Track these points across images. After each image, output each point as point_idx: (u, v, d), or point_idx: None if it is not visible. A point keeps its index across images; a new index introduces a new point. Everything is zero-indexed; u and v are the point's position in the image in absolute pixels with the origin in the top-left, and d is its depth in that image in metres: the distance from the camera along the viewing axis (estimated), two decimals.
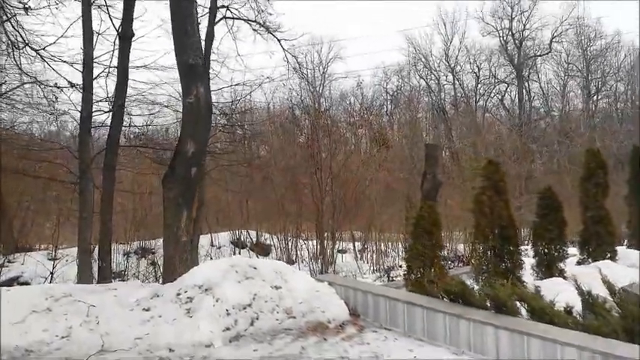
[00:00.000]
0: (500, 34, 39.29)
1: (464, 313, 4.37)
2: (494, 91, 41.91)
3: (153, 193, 16.40)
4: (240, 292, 5.39)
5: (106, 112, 8.35)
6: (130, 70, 9.01)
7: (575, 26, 36.86)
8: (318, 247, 18.92)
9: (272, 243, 20.03)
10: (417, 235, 5.87)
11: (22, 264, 14.88)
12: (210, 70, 10.35)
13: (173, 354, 4.50)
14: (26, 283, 14.37)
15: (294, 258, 18.61)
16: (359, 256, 17.78)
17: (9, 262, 14.82)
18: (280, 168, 17.19)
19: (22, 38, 6.31)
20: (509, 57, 39.13)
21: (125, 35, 9.36)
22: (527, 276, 7.18)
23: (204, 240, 18.46)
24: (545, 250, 7.58)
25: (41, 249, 17.88)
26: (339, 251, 18.43)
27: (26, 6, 5.82)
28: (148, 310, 5.17)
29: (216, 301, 5.18)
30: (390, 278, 7.55)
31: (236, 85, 10.76)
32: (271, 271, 5.90)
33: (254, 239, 20.19)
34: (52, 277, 13.06)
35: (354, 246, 18.29)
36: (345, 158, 16.00)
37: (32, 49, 6.32)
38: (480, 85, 42.10)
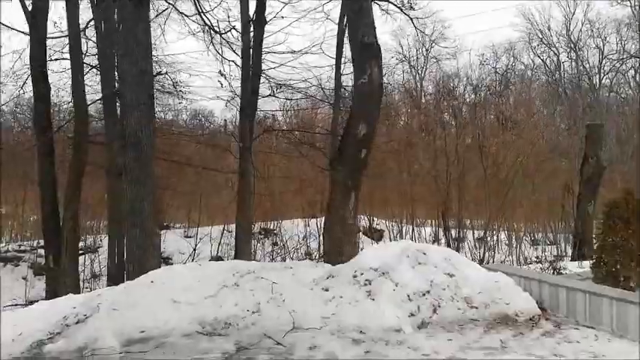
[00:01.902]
0: (633, 3, 34.76)
1: None
2: (622, 67, 37.24)
3: (272, 177, 16.94)
4: (417, 277, 5.24)
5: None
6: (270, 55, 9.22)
7: None
8: (439, 233, 18.32)
9: (384, 228, 19.86)
10: (611, 225, 5.26)
11: (164, 241, 16.27)
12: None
13: (365, 336, 4.45)
14: (168, 259, 15.72)
15: None
16: (477, 245, 16.95)
17: None
18: (398, 152, 16.72)
19: (209, 26, 6.66)
20: None
21: (259, 22, 9.60)
22: None
23: (319, 223, 18.81)
24: None
25: (174, 227, 19.44)
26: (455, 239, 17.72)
27: None
28: (327, 290, 5.21)
29: (396, 285, 5.08)
30: (557, 271, 6.97)
31: None
32: (441, 258, 5.67)
33: (366, 224, 20.14)
34: (194, 253, 14.13)
35: (473, 234, 17.43)
36: (470, 140, 15.23)
37: (222, 37, 6.65)
38: (604, 61, 37.71)
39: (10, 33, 12.98)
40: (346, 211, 5.78)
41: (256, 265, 5.86)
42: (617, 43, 36.31)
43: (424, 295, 5.05)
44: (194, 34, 6.64)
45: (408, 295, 4.98)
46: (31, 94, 12.86)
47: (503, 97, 19.25)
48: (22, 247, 13.40)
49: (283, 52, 9.64)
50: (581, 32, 36.19)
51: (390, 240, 19.28)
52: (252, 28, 9.66)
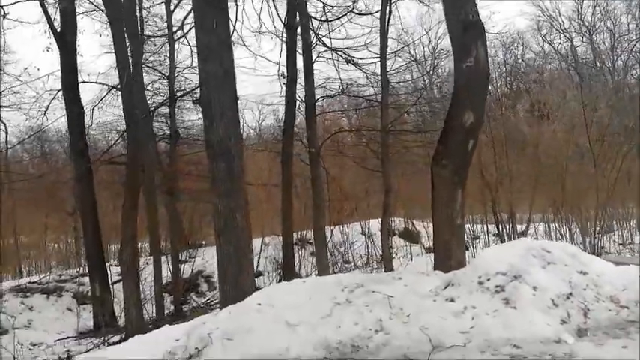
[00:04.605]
0: None
1: None
2: (635, 47, 36.33)
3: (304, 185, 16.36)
4: (552, 279, 4.67)
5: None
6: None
7: None
8: (479, 229, 17.62)
9: (420, 230, 19.23)
10: None
11: (202, 259, 15.75)
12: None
13: (523, 351, 3.89)
14: (209, 277, 15.18)
15: None
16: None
17: (190, 257, 15.76)
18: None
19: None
20: None
21: (289, 25, 9.21)
22: None
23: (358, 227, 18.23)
24: None
25: (207, 245, 18.85)
26: (495, 235, 17.05)
27: None
28: (452, 300, 4.65)
29: (534, 289, 4.50)
30: None
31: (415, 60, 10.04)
32: (567, 255, 5.10)
33: (401, 226, 19.53)
34: None
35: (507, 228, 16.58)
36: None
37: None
38: (616, 44, 36.95)
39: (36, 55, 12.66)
40: (454, 210, 5.23)
41: (361, 277, 5.32)
42: (628, 24, 35.59)
43: (568, 298, 4.47)
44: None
45: (552, 300, 4.40)
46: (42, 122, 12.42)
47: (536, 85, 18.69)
48: (63, 277, 12.92)
49: (333, 49, 9.11)
50: (593, 15, 35.58)
51: (428, 242, 18.69)
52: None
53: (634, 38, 35.47)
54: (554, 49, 38.16)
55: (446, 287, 4.89)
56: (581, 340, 4.00)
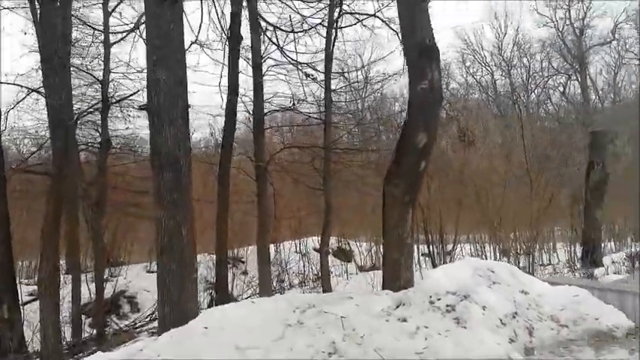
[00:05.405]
0: (557, 25, 37.64)
1: None
2: (547, 83, 39.82)
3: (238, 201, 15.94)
4: (499, 298, 4.80)
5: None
6: None
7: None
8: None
9: (353, 249, 19.43)
10: None
11: (125, 278, 14.71)
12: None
13: None
14: (132, 298, 14.17)
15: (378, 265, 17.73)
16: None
17: (112, 276, 14.65)
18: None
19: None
20: (567, 48, 37.46)
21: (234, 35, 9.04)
22: None
23: (289, 247, 18.00)
24: None
25: (129, 263, 17.66)
26: (423, 255, 17.57)
27: None
28: (404, 320, 4.61)
29: (483, 309, 4.59)
30: (592, 278, 6.88)
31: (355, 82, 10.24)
32: (508, 274, 5.31)
33: (335, 245, 19.59)
34: None
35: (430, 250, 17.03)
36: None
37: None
38: (530, 79, 40.29)
39: None
40: (404, 230, 5.24)
41: (311, 297, 5.14)
42: (541, 61, 38.93)
43: (514, 317, 4.61)
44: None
45: (500, 320, 4.51)
46: None
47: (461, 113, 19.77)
48: None
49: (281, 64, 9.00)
50: (512, 51, 38.59)
51: (361, 261, 18.90)
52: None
53: (546, 75, 39.01)
54: (477, 80, 40.92)
55: (397, 307, 4.85)
56: (529, 359, 4.11)
